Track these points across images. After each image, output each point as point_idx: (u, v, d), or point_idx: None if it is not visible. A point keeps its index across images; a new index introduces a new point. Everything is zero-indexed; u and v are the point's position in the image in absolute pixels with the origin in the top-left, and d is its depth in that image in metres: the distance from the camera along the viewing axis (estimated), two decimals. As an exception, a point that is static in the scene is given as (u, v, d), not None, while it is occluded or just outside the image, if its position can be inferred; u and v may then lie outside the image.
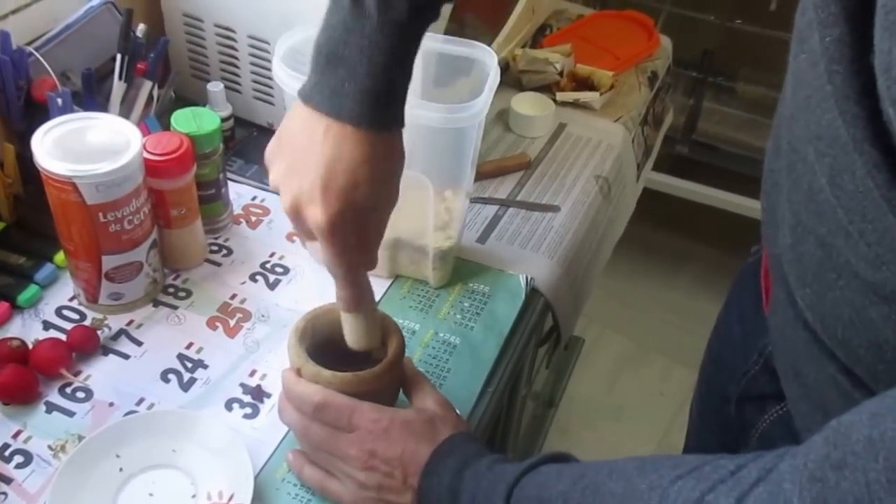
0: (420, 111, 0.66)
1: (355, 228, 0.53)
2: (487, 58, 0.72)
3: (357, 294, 0.57)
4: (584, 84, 1.10)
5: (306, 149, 0.52)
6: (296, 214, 0.53)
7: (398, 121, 0.53)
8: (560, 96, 1.07)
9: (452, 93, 0.76)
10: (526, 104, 1.03)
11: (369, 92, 0.51)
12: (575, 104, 1.07)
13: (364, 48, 0.50)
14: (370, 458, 0.55)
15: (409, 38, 0.52)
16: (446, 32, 0.82)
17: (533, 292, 0.81)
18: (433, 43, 0.75)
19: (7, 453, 0.61)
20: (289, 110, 0.72)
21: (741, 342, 0.65)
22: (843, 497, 0.32)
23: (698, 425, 0.78)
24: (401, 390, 0.63)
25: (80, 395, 0.66)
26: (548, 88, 1.08)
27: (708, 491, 0.39)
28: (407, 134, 0.55)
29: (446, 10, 0.83)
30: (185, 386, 0.68)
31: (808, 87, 0.40)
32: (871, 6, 0.32)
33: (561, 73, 1.07)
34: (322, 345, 0.62)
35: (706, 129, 1.94)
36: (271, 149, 0.55)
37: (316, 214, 0.51)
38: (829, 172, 0.38)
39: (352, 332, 0.60)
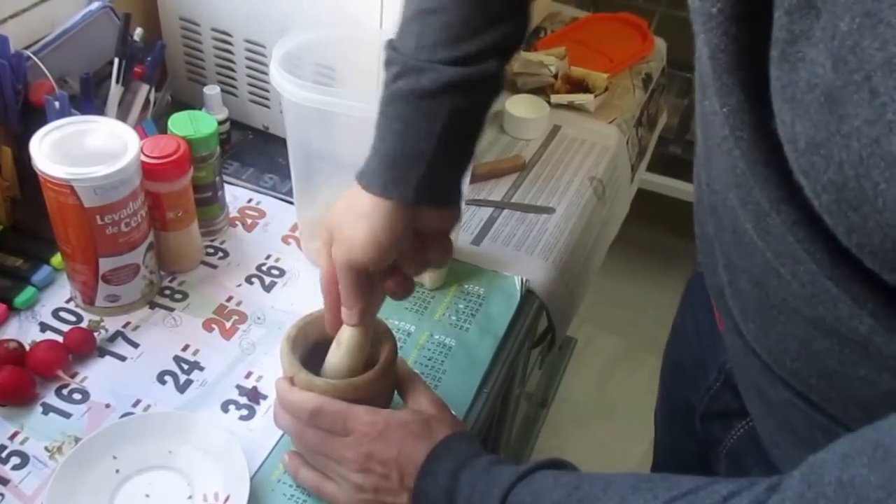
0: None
1: (350, 276, 0.55)
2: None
3: (364, 308, 0.58)
4: (579, 86, 1.10)
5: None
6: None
7: (400, 191, 0.53)
8: (554, 98, 1.07)
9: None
10: (521, 106, 1.03)
11: (375, 153, 0.54)
12: (569, 106, 1.08)
13: (383, 115, 0.53)
14: (366, 460, 0.55)
15: (427, 111, 0.52)
16: (441, 36, 0.83)
17: (528, 294, 0.81)
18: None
19: (3, 455, 0.62)
20: (284, 113, 0.72)
21: (700, 356, 0.65)
22: None
23: (666, 436, 0.78)
24: (395, 392, 0.63)
25: (77, 396, 0.66)
26: (542, 91, 1.09)
27: None
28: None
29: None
30: (182, 388, 0.68)
31: (717, 136, 0.39)
32: (765, 75, 0.31)
33: (555, 76, 1.08)
34: (314, 350, 0.62)
35: (700, 129, 1.95)
36: None
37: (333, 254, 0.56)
38: (754, 218, 0.38)
39: (347, 347, 0.59)
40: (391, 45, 0.54)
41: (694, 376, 0.65)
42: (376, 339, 0.61)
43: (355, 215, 0.54)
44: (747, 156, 0.34)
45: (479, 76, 0.52)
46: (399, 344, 0.64)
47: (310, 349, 0.62)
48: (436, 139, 0.52)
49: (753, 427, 0.56)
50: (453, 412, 0.61)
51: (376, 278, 0.57)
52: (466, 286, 0.80)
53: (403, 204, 0.53)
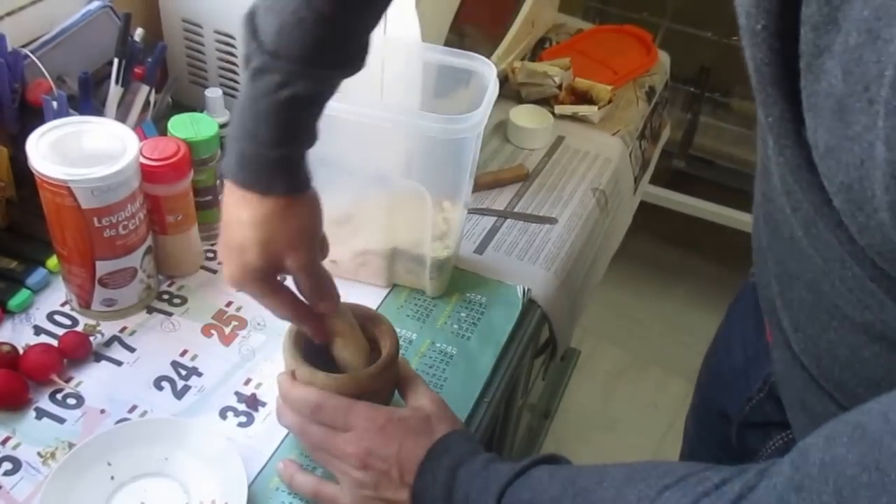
0: (419, 121, 0.66)
1: (261, 284, 0.55)
2: (486, 70, 0.72)
3: (314, 325, 0.59)
4: (583, 98, 1.10)
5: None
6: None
7: (279, 184, 0.53)
8: (558, 109, 1.07)
9: (451, 104, 0.76)
10: (524, 116, 1.03)
11: (241, 154, 0.53)
12: (573, 117, 1.08)
13: (239, 112, 0.53)
14: (367, 455, 0.55)
15: (279, 104, 0.52)
16: (446, 44, 0.83)
17: (530, 303, 0.80)
18: (433, 54, 0.75)
19: (-5, 460, 0.60)
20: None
21: (743, 366, 0.65)
22: None
23: (695, 441, 0.78)
24: (396, 391, 0.63)
25: (71, 401, 0.65)
26: (546, 101, 1.08)
27: None
28: (406, 144, 0.56)
29: (442, 25, 0.83)
30: (179, 393, 0.67)
31: (770, 147, 0.42)
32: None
33: (559, 87, 1.08)
34: (315, 345, 0.62)
35: (703, 143, 1.95)
36: None
37: (225, 273, 0.56)
38: (804, 226, 0.40)
39: (350, 333, 0.61)
40: (264, 49, 0.53)
41: (733, 386, 0.66)
42: (378, 335, 0.62)
43: (241, 222, 0.54)
44: (791, 162, 0.36)
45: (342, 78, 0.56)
46: (400, 352, 0.64)
47: (311, 344, 0.62)
48: (310, 136, 0.56)
49: (792, 439, 0.56)
50: (454, 417, 0.61)
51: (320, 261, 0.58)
52: (468, 295, 0.79)
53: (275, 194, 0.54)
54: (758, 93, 0.37)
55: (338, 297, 0.59)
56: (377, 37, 0.79)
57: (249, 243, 0.54)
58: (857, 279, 0.37)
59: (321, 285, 0.58)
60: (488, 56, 0.79)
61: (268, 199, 0.53)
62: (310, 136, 0.55)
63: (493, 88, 0.69)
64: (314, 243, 0.57)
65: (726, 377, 0.68)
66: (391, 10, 0.78)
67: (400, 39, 0.79)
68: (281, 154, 0.53)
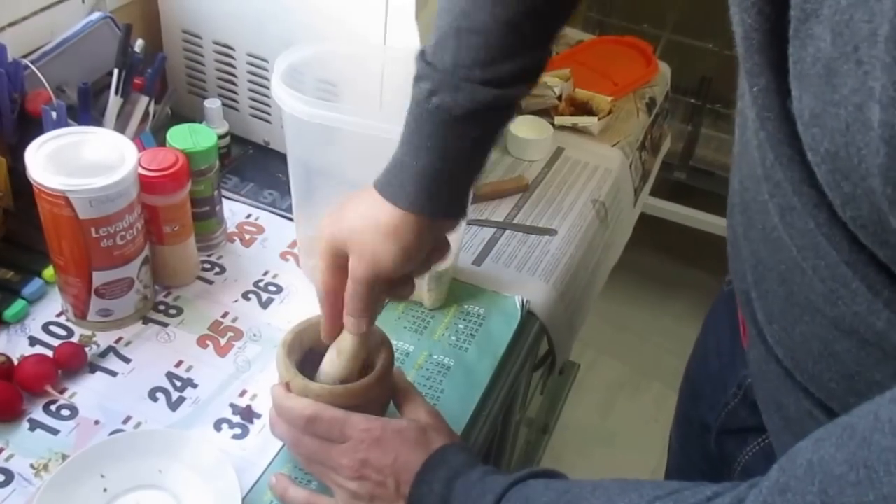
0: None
1: (334, 262, 0.57)
2: (486, 80, 0.72)
3: (331, 325, 0.60)
4: (583, 109, 1.10)
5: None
6: None
7: (433, 207, 0.54)
8: (558, 120, 1.07)
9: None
10: (524, 127, 1.03)
11: (401, 167, 0.55)
12: (573, 128, 1.08)
13: (414, 131, 0.54)
14: (362, 466, 0.55)
15: (461, 131, 0.53)
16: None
17: (528, 315, 0.80)
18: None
19: (-12, 472, 0.60)
20: (285, 128, 0.72)
21: (719, 373, 0.65)
22: None
23: (679, 454, 0.78)
24: (391, 403, 0.63)
25: (65, 412, 0.65)
26: (546, 112, 1.08)
27: None
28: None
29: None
30: (174, 405, 0.66)
31: (749, 129, 0.41)
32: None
33: (559, 98, 1.08)
34: (309, 356, 0.62)
35: (704, 155, 1.95)
36: None
37: (323, 234, 0.58)
38: (780, 211, 0.39)
39: (347, 356, 0.59)
40: (424, 59, 0.54)
41: (711, 394, 0.66)
42: (373, 346, 0.61)
43: (381, 231, 0.54)
44: (773, 137, 0.36)
45: (511, 98, 0.55)
46: (397, 364, 0.64)
47: (305, 355, 0.62)
48: (467, 158, 0.55)
49: (769, 444, 0.56)
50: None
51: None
52: (466, 306, 0.79)
53: (429, 219, 0.55)
54: (744, 61, 0.36)
55: (364, 326, 0.58)
56: (378, 49, 0.80)
57: (348, 228, 0.55)
58: (829, 268, 0.37)
59: (360, 306, 0.57)
60: (487, 67, 0.79)
61: (387, 204, 0.55)
62: (458, 156, 0.54)
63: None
64: (394, 270, 0.55)
65: (704, 387, 0.68)
66: (391, 22, 0.79)
67: (400, 50, 0.79)
68: (422, 166, 0.54)
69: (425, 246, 0.56)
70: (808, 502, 0.32)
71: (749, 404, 0.60)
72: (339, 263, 0.57)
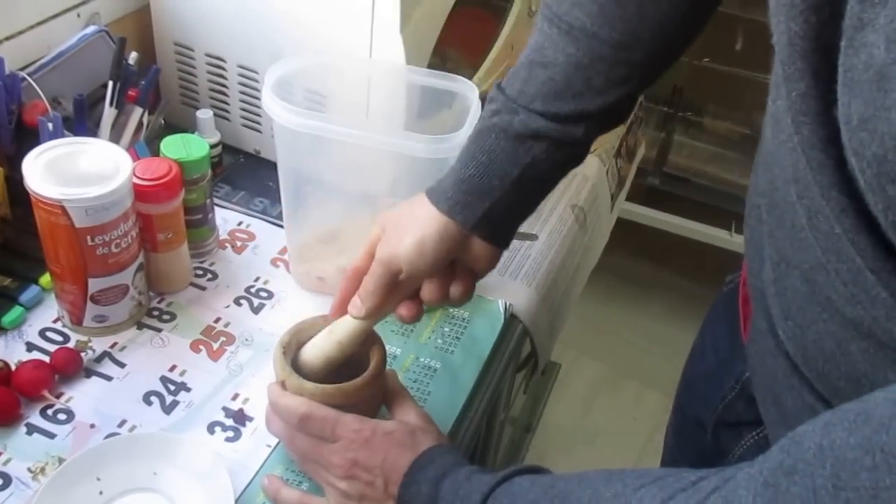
0: (404, 142, 0.67)
1: (382, 272, 0.59)
2: (469, 91, 0.74)
3: (339, 304, 0.62)
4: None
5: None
6: None
7: (464, 215, 0.57)
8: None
9: (435, 125, 0.77)
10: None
11: (452, 174, 0.58)
12: (553, 136, 1.10)
13: (472, 143, 0.58)
14: (352, 466, 0.56)
15: (511, 153, 0.56)
16: (429, 67, 0.85)
17: (512, 318, 0.82)
18: (417, 76, 0.77)
19: (-13, 475, 0.61)
20: (276, 138, 0.74)
21: (716, 368, 0.67)
22: (791, 501, 0.33)
23: (675, 452, 0.79)
24: (383, 406, 0.64)
25: (62, 416, 0.66)
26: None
27: (668, 499, 0.41)
28: (391, 163, 0.58)
29: (426, 49, 0.85)
30: (168, 408, 0.68)
31: (783, 132, 0.42)
32: (834, 62, 0.34)
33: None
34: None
35: (677, 161, 1.99)
36: None
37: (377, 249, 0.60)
38: (807, 213, 0.41)
39: (337, 338, 0.61)
40: (498, 86, 0.58)
41: (707, 390, 0.67)
42: (366, 346, 0.63)
43: (411, 220, 0.58)
44: (806, 141, 0.37)
45: (565, 135, 0.56)
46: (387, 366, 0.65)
47: (300, 355, 0.63)
48: (510, 181, 0.57)
49: (764, 437, 0.57)
50: (439, 431, 0.62)
51: (395, 294, 0.60)
52: (451, 310, 0.81)
53: (459, 227, 0.57)
54: (785, 66, 0.37)
55: (364, 310, 0.59)
56: (363, 62, 0.82)
57: (393, 214, 0.59)
58: (852, 273, 0.37)
59: (371, 286, 0.58)
60: (469, 78, 0.81)
61: (429, 202, 0.57)
62: (502, 176, 0.56)
63: (475, 109, 0.71)
64: (405, 258, 0.57)
65: (700, 383, 0.70)
66: (377, 36, 0.81)
67: (385, 62, 0.81)
68: (467, 175, 0.56)
69: (444, 253, 0.57)
70: (818, 485, 0.32)
71: (746, 398, 0.61)
72: (375, 249, 0.59)
